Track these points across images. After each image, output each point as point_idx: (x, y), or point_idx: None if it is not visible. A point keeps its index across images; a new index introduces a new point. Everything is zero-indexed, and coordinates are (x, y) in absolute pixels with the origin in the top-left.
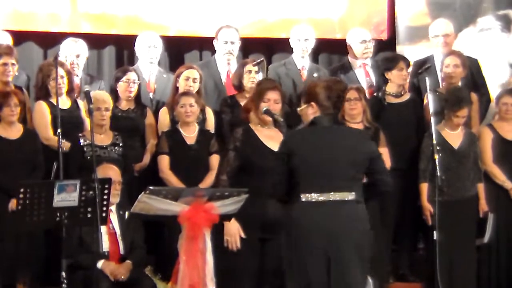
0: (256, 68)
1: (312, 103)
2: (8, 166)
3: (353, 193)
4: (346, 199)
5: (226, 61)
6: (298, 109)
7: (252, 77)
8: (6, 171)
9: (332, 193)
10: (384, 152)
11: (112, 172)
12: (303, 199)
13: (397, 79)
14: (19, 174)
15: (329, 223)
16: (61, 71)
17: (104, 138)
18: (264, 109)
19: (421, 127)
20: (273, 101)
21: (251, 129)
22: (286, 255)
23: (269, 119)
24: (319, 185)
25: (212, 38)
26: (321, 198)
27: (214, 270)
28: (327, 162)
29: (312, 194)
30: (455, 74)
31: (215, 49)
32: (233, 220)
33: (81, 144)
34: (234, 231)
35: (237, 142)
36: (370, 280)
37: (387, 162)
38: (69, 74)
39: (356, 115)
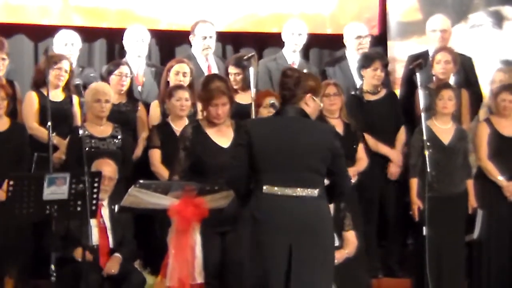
0: (236, 70)
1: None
2: None
3: (317, 189)
4: (311, 195)
5: (204, 56)
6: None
7: (233, 80)
8: None
9: (296, 188)
10: (361, 148)
11: (107, 167)
12: (266, 191)
13: (371, 79)
14: (5, 166)
15: (294, 220)
16: (66, 65)
17: (103, 130)
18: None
19: (400, 122)
20: (221, 105)
21: (200, 125)
22: (245, 248)
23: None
24: (283, 178)
25: None
26: (285, 192)
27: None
28: (290, 155)
29: (275, 188)
30: (445, 70)
31: (191, 44)
32: None
33: (80, 136)
34: None
35: (186, 141)
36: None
37: (364, 158)
38: (72, 72)
39: (335, 110)
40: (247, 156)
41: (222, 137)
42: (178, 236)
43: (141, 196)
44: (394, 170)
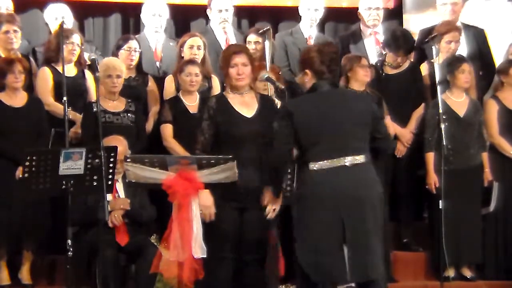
0: (257, 38)
1: (307, 70)
2: (13, 134)
3: (363, 155)
4: (358, 162)
5: (222, 29)
6: (296, 78)
7: (253, 48)
8: (11, 139)
9: (342, 157)
10: (387, 120)
11: (118, 144)
12: (313, 168)
13: (390, 59)
14: (24, 141)
15: (344, 189)
16: (77, 39)
17: (116, 105)
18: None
19: (419, 96)
20: (241, 65)
21: (224, 96)
22: (295, 225)
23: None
24: (328, 151)
25: None
26: (333, 164)
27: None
28: (333, 126)
29: (322, 162)
30: (456, 47)
31: (209, 18)
32: (206, 192)
33: (94, 111)
34: (208, 203)
35: (210, 110)
36: None
37: (390, 131)
38: (83, 46)
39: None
40: (293, 138)
41: (246, 107)
42: (177, 210)
43: (134, 171)
44: (401, 149)
